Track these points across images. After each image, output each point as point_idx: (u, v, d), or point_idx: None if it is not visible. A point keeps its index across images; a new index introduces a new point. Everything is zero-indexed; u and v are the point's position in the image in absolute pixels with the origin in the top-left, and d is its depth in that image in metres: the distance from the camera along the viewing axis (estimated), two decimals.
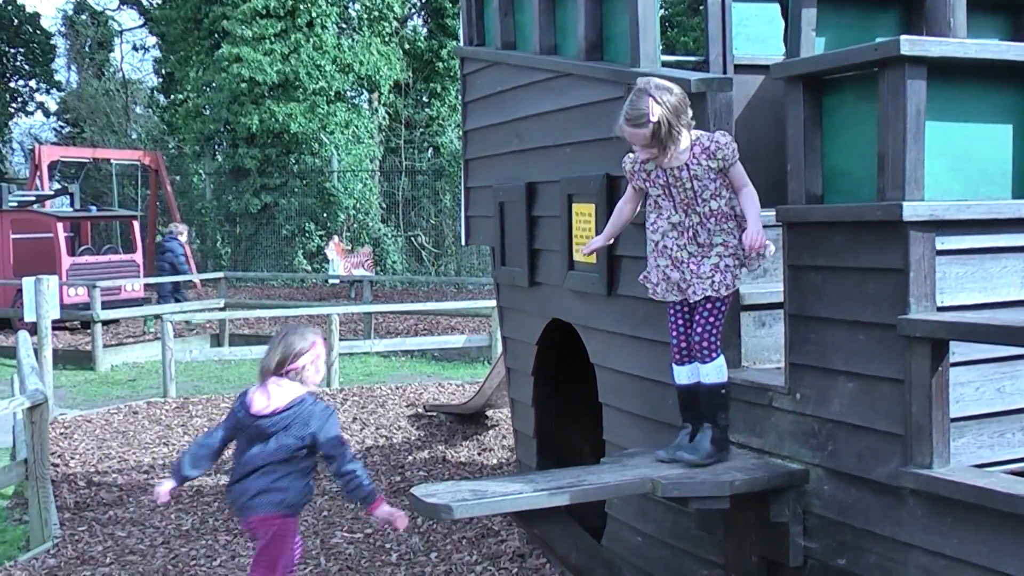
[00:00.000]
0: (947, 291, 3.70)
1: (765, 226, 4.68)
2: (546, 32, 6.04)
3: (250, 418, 4.47)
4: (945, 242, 3.68)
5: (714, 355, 4.36)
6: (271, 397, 4.46)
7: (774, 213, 4.25)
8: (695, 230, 4.32)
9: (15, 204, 20.01)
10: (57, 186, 23.49)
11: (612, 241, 4.84)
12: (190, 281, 18.92)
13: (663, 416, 4.93)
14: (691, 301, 4.38)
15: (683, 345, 4.46)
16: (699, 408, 4.47)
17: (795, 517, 4.15)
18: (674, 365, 4.51)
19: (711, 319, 4.34)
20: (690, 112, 4.24)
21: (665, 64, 5.35)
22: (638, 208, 4.65)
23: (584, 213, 5.53)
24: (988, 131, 3.87)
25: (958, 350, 3.68)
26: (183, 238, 19.18)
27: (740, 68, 6.11)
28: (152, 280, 19.10)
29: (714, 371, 4.37)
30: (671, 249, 4.37)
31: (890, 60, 3.63)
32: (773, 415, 4.27)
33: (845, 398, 3.90)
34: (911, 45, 3.59)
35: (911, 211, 3.59)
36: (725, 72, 6.04)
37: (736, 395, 4.46)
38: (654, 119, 4.11)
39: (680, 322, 4.46)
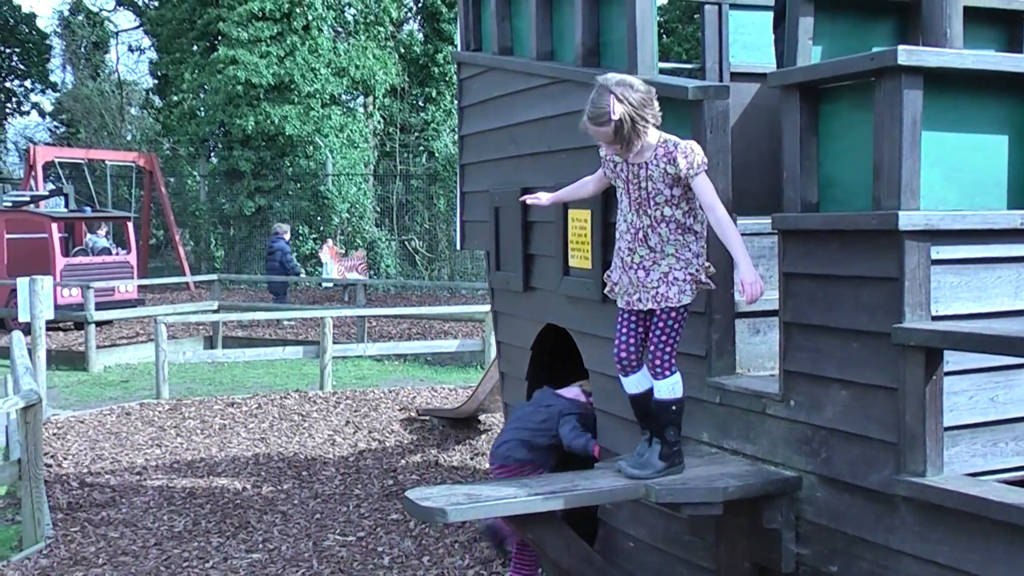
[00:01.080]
0: (941, 300, 3.72)
1: (760, 234, 4.71)
2: (543, 38, 6.05)
3: (549, 389, 6.02)
4: (940, 252, 3.70)
5: (667, 372, 4.26)
6: (563, 389, 5.98)
7: (769, 221, 4.26)
8: (645, 232, 4.23)
9: (10, 204, 20.00)
10: (52, 186, 23.47)
11: (556, 204, 5.06)
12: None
13: None
14: (634, 310, 4.30)
15: (623, 355, 4.33)
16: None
17: (787, 523, 4.17)
18: (620, 376, 4.41)
19: (664, 336, 4.23)
20: (657, 107, 4.16)
21: (661, 71, 5.37)
22: (598, 192, 4.74)
23: (580, 219, 5.54)
24: (984, 141, 3.89)
25: (952, 359, 3.69)
26: (287, 236, 19.34)
27: (736, 76, 6.13)
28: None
29: (667, 388, 4.27)
30: (623, 250, 4.32)
31: (887, 70, 3.65)
32: (767, 422, 4.28)
33: (839, 405, 3.92)
34: (908, 55, 3.62)
35: (907, 220, 3.61)
36: (721, 80, 6.06)
37: (730, 402, 4.47)
38: (615, 117, 4.06)
39: (624, 331, 4.34)
